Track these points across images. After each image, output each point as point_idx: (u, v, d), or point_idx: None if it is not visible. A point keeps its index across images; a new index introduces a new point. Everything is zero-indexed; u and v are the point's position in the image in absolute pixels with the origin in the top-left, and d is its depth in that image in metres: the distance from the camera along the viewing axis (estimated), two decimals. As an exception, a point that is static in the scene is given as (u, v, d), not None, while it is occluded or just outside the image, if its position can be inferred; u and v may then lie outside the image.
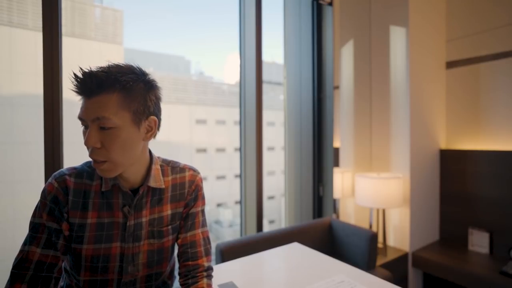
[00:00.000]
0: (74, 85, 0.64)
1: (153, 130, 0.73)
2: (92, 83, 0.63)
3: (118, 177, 0.73)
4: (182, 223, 0.83)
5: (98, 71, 0.64)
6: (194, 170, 0.86)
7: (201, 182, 0.86)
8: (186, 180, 0.83)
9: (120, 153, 0.67)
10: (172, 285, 0.91)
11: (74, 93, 0.66)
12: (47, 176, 1.26)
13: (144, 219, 0.76)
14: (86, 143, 0.65)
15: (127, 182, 0.74)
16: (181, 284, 0.80)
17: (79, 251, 0.70)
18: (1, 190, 1.78)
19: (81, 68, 0.63)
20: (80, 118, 0.66)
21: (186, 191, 0.82)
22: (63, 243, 0.70)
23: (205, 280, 0.78)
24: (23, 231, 0.68)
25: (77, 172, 0.73)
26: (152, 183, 0.76)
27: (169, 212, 0.80)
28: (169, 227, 0.79)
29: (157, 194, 0.78)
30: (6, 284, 0.64)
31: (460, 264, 1.84)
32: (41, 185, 1.20)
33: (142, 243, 0.75)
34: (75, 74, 0.63)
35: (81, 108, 0.65)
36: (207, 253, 0.83)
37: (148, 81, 0.71)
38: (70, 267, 0.74)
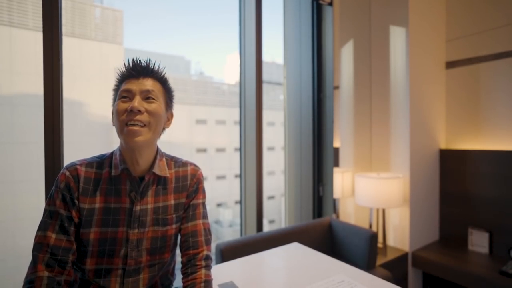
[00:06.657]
0: (127, 67, 0.78)
1: (169, 121, 0.86)
2: (142, 67, 0.78)
3: (132, 161, 0.79)
4: (184, 214, 0.87)
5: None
6: (195, 166, 0.92)
7: (202, 177, 0.91)
8: (188, 173, 0.88)
9: (155, 122, 0.77)
10: (172, 282, 0.93)
11: (123, 75, 0.78)
12: (47, 176, 1.26)
13: (149, 206, 0.80)
14: (132, 107, 0.73)
15: (139, 166, 0.79)
16: (182, 273, 0.84)
17: (87, 235, 0.75)
18: (1, 190, 1.78)
19: (133, 59, 0.79)
20: (127, 89, 0.75)
21: (188, 183, 0.88)
22: (74, 229, 0.75)
23: (203, 271, 0.81)
24: (24, 231, 0.68)
25: (88, 163, 0.80)
26: (157, 171, 0.81)
27: (172, 202, 0.84)
28: (173, 215, 0.84)
29: (161, 183, 0.83)
30: (30, 265, 0.71)
31: (460, 264, 1.84)
32: (41, 185, 1.20)
33: (147, 230, 0.79)
34: (133, 59, 0.78)
35: (127, 83, 0.76)
36: (208, 243, 0.87)
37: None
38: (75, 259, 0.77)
